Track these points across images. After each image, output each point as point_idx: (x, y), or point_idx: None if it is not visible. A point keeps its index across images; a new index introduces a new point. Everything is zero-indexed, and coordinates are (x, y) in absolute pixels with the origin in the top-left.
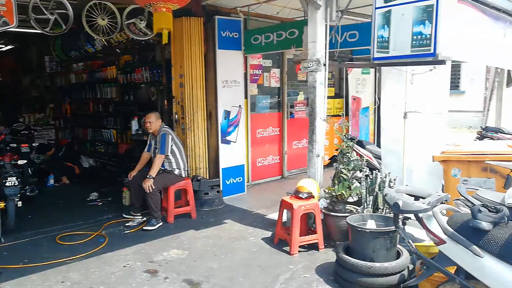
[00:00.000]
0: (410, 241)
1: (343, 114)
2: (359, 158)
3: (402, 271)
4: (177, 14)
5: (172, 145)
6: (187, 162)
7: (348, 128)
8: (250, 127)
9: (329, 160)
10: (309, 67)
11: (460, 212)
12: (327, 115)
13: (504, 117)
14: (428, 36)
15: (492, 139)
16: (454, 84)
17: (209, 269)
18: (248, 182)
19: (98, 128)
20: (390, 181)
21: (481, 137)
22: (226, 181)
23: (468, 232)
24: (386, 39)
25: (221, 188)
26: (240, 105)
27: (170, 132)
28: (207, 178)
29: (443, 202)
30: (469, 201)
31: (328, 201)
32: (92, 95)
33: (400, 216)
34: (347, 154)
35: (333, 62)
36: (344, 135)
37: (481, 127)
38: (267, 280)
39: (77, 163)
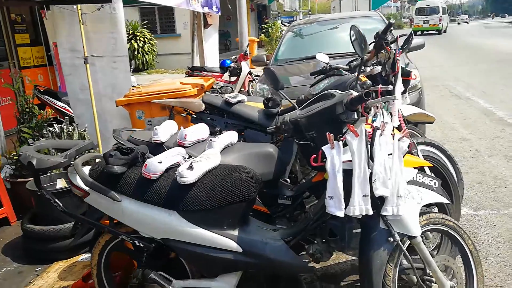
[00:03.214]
0: (56, 200)
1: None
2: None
3: None
4: None
5: None
6: None
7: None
8: None
9: None
10: None
11: None
12: (25, 67)
13: (207, 57)
14: None
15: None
16: (171, 28)
17: None
18: None
19: None
20: (80, 133)
21: (188, 76)
22: None
23: (106, 179)
24: None
25: None
26: None
27: None
28: None
29: (89, 150)
30: (123, 144)
31: (13, 167)
32: None
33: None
34: (27, 110)
35: None
36: (36, 89)
37: (188, 67)
38: None
39: None
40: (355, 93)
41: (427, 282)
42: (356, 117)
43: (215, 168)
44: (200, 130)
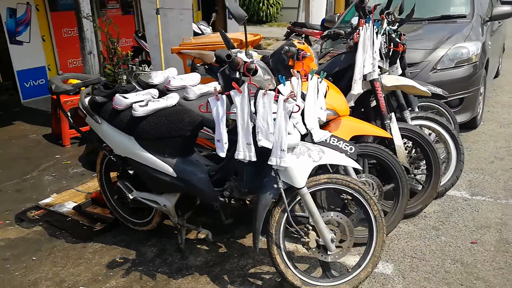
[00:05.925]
0: (69, 118)
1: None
2: (126, 53)
3: None
4: None
5: None
6: None
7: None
8: (52, 27)
9: None
10: None
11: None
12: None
13: (313, 14)
14: None
15: (298, 33)
16: None
17: None
18: None
19: None
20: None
21: (290, 31)
22: (25, 84)
23: (95, 106)
24: None
25: (19, 91)
26: (27, 2)
27: None
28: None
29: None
30: (129, 83)
31: None
32: None
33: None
34: (112, 50)
35: None
36: (135, 34)
37: (290, 22)
38: (28, 169)
39: None
40: (239, 56)
41: (305, 229)
42: (237, 76)
43: (168, 108)
44: (188, 78)
